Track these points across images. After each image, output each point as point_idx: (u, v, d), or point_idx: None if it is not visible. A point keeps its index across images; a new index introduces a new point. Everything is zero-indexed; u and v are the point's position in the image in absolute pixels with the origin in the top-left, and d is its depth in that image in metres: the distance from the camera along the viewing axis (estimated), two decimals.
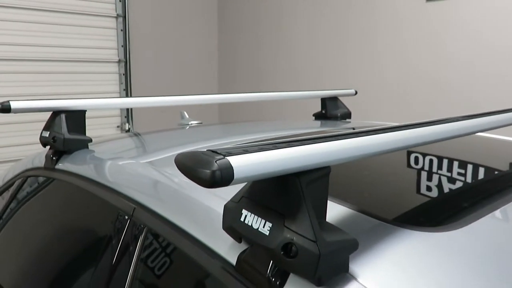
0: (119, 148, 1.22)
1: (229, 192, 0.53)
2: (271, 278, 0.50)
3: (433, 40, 3.29)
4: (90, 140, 1.16)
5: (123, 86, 4.50)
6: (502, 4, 2.85)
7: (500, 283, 0.51)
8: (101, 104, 1.26)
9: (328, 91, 1.80)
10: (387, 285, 0.48)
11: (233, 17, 4.99)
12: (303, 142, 0.49)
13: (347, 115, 1.79)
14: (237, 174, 0.41)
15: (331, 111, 1.79)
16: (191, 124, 1.73)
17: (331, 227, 0.49)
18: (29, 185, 1.26)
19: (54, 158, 1.14)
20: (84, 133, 1.16)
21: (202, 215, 0.68)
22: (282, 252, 0.47)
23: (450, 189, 0.85)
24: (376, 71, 3.67)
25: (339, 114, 1.77)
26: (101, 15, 4.18)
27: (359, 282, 0.48)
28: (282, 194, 0.48)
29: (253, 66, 4.77)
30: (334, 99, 1.81)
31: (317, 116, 1.84)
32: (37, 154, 1.31)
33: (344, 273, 0.49)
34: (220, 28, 5.09)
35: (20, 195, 1.25)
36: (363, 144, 0.54)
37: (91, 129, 1.23)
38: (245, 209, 0.52)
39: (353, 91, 1.87)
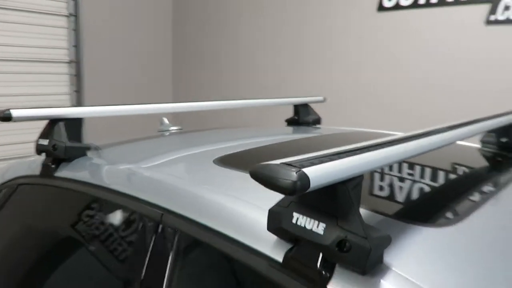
0: (117, 155, 1.24)
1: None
2: (321, 271, 0.59)
3: (384, 48, 3.53)
4: (89, 148, 1.18)
5: (74, 88, 4.37)
6: (450, 17, 3.13)
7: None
8: (100, 112, 1.27)
9: (299, 98, 1.91)
10: (416, 271, 0.59)
11: (189, 15, 5.00)
12: (353, 152, 0.59)
13: (318, 121, 1.91)
14: (312, 183, 0.50)
15: (303, 117, 1.90)
16: (172, 130, 1.77)
17: (370, 226, 0.59)
18: (22, 193, 1.25)
19: (53, 166, 1.15)
20: (81, 141, 1.18)
21: (233, 217, 0.74)
22: (336, 248, 0.56)
23: (441, 190, 1.00)
24: (329, 78, 3.86)
25: (310, 120, 1.89)
26: (52, 14, 4.03)
27: (394, 270, 0.58)
28: (333, 199, 0.57)
29: (211, 67, 4.82)
30: (305, 106, 1.93)
31: (290, 122, 1.94)
32: (27, 161, 1.30)
33: (380, 263, 0.59)
34: (175, 27, 5.08)
35: (12, 204, 1.23)
36: (389, 154, 0.65)
37: None
38: (296, 212, 0.60)
39: (321, 98, 1.99)
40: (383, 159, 0.64)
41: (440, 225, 0.75)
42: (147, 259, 0.83)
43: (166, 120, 1.80)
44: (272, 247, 0.66)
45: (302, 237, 0.60)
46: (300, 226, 0.59)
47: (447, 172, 1.19)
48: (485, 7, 2.96)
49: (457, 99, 3.11)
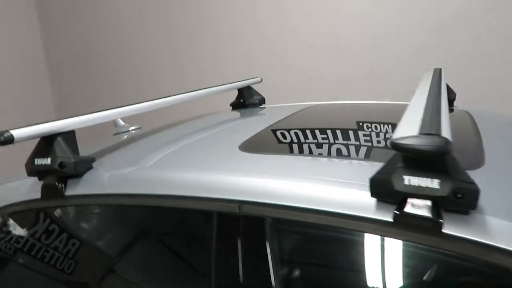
0: (125, 160, 1.17)
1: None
2: (434, 219, 0.72)
3: (261, 27, 3.74)
4: (94, 160, 1.10)
5: None
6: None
7: None
8: (92, 119, 1.17)
9: (241, 81, 1.97)
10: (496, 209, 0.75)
11: (58, 12, 4.54)
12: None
13: (263, 101, 2.02)
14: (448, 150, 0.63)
15: (248, 99, 1.99)
16: (131, 130, 1.69)
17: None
18: (15, 223, 1.11)
19: (61, 185, 1.05)
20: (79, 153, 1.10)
21: (327, 194, 0.82)
22: (454, 197, 0.69)
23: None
24: (215, 45, 3.95)
25: (257, 101, 1.99)
26: None
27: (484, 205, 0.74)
28: (439, 160, 0.70)
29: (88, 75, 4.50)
30: (249, 88, 2.01)
31: (235, 106, 2.01)
32: (9, 187, 1.16)
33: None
34: (43, 24, 4.57)
35: (4, 240, 1.09)
36: None
37: None
38: (406, 175, 0.72)
39: (259, 79, 2.10)
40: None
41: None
42: (239, 252, 0.85)
43: (121, 121, 1.72)
44: (376, 211, 0.77)
45: (416, 194, 0.72)
46: (413, 186, 0.71)
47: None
48: None
49: (335, 58, 3.50)
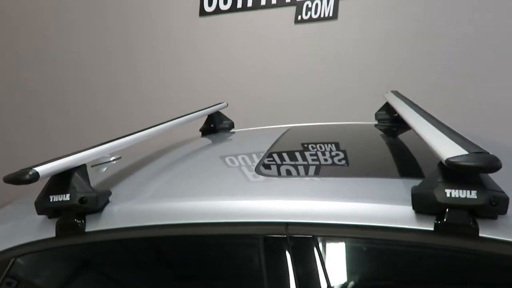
0: (141, 191, 1.14)
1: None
2: (472, 225, 0.83)
3: (204, 50, 3.81)
4: (111, 193, 1.06)
5: None
6: (265, 18, 3.62)
7: None
8: (101, 151, 1.12)
9: (210, 107, 2.00)
10: None
11: None
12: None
13: (232, 126, 2.06)
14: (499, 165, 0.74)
15: (219, 124, 2.02)
16: (111, 160, 1.61)
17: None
18: (26, 267, 1.01)
19: (80, 221, 1.00)
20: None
21: (371, 210, 0.89)
22: (489, 205, 0.81)
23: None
24: (157, 77, 3.92)
25: (227, 126, 2.02)
26: None
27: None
28: (476, 173, 0.82)
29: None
30: (218, 113, 2.04)
31: (205, 131, 2.02)
32: (13, 227, 1.06)
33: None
34: None
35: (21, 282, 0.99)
36: None
37: None
38: (448, 188, 0.82)
39: (225, 104, 2.14)
40: None
41: None
42: (291, 272, 0.88)
43: None
44: (418, 222, 0.86)
45: (456, 205, 0.83)
46: (454, 197, 0.82)
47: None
48: (292, 9, 3.57)
49: (272, 84, 3.67)
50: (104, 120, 4.11)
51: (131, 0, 3.88)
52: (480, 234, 0.83)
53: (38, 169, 0.90)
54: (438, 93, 3.24)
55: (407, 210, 0.87)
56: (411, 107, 1.35)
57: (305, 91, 3.60)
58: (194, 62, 3.82)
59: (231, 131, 2.02)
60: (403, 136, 1.62)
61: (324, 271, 0.88)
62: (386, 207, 0.89)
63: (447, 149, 0.81)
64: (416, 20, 3.31)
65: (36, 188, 1.03)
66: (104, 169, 1.52)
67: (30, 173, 0.88)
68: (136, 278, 1.02)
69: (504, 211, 0.82)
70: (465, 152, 0.77)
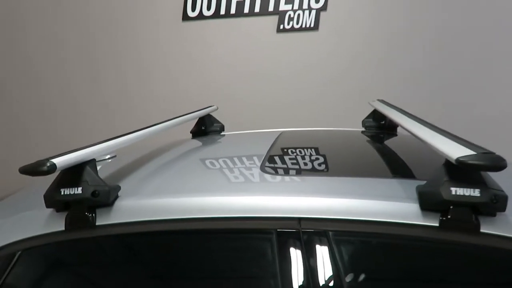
0: (151, 186, 1.14)
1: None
2: (474, 221, 0.89)
3: (187, 55, 3.82)
4: (120, 188, 1.06)
5: None
6: (247, 26, 3.67)
7: None
8: (112, 146, 1.13)
9: (201, 110, 2.02)
10: None
11: None
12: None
13: (223, 128, 2.08)
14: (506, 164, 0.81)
15: (210, 127, 2.03)
16: (107, 158, 1.60)
17: None
18: (32, 261, 1.00)
19: (91, 215, 1.00)
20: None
21: (382, 207, 0.94)
22: (491, 202, 0.87)
23: None
24: (142, 82, 3.90)
25: (218, 129, 2.05)
26: None
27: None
28: (478, 172, 0.88)
29: None
30: (209, 116, 2.06)
31: (195, 133, 2.03)
32: (18, 219, 1.05)
33: None
34: None
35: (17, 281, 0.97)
36: None
37: None
38: (453, 187, 0.88)
39: (216, 107, 2.16)
40: None
41: None
42: (304, 265, 0.91)
43: None
44: (424, 218, 0.92)
45: (461, 202, 0.89)
46: (459, 195, 0.88)
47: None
48: (274, 18, 3.64)
49: (255, 89, 3.73)
50: (90, 123, 4.04)
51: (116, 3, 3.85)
52: (481, 230, 0.90)
53: (55, 160, 0.90)
54: (416, 100, 3.38)
55: (414, 207, 0.93)
56: (405, 114, 1.42)
57: (285, 96, 3.67)
58: (179, 66, 3.82)
59: (221, 133, 2.04)
60: (394, 141, 1.70)
61: (335, 264, 0.92)
62: (395, 204, 0.95)
63: (455, 150, 0.87)
64: (394, 32, 3.46)
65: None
66: (102, 166, 1.51)
67: (48, 164, 0.88)
68: (147, 272, 1.02)
69: (503, 208, 0.89)
70: (473, 152, 0.83)
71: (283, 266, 0.93)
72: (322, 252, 0.93)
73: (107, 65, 3.93)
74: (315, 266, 0.92)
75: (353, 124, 2.07)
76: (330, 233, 0.94)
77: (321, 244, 0.93)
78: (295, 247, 0.93)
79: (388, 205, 0.95)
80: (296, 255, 0.93)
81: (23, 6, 3.96)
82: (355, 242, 0.97)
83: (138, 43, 3.86)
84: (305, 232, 0.94)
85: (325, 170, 1.25)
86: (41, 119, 4.12)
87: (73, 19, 3.92)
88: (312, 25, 3.61)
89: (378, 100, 2.02)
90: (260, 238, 0.98)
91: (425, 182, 0.95)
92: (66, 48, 3.96)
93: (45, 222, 1.03)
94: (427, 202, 0.91)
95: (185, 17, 3.74)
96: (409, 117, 1.36)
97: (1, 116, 4.18)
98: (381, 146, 1.71)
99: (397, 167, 1.30)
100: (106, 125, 3.96)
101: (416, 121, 1.26)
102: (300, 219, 0.95)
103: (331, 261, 0.92)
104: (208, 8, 3.70)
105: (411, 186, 1.00)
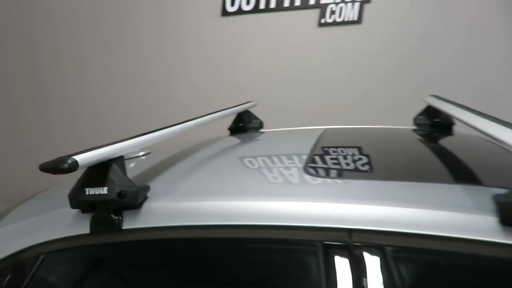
0: (183, 188, 1.04)
1: None
2: None
3: (225, 50, 3.74)
4: (149, 188, 0.97)
5: None
6: (287, 20, 3.55)
7: None
8: (143, 141, 1.05)
9: (239, 106, 1.92)
10: None
11: None
12: None
13: (262, 125, 1.97)
14: None
15: (248, 123, 1.93)
16: (141, 155, 1.53)
17: None
18: (56, 265, 0.93)
19: (118, 217, 0.91)
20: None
21: (450, 219, 0.80)
22: None
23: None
24: (185, 77, 3.85)
25: (257, 125, 1.93)
26: None
27: None
28: None
29: None
30: (248, 112, 1.96)
31: (234, 130, 1.93)
32: (36, 223, 0.98)
33: None
34: None
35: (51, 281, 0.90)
36: None
37: None
38: None
39: (254, 103, 2.05)
40: None
41: None
42: (353, 286, 0.78)
43: None
44: (505, 235, 0.76)
45: None
46: None
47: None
48: (316, 12, 3.49)
49: (293, 88, 3.58)
50: (105, 122, 4.04)
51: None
52: None
53: (77, 157, 0.82)
54: (472, 96, 3.14)
55: (491, 220, 0.77)
56: (470, 110, 1.24)
57: (328, 96, 3.51)
58: (217, 62, 3.75)
59: (260, 131, 1.93)
60: (455, 141, 1.52)
61: (391, 286, 0.77)
62: (467, 216, 0.79)
63: None
64: (446, 25, 3.23)
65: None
66: (134, 164, 1.43)
67: (69, 161, 0.80)
68: (176, 285, 0.92)
69: None
70: None
71: (329, 285, 0.80)
72: (376, 271, 0.79)
73: (149, 61, 3.91)
74: (367, 287, 0.78)
75: (401, 123, 1.90)
76: (387, 248, 0.80)
77: (375, 261, 0.80)
78: (344, 264, 0.80)
79: (459, 217, 0.80)
80: (344, 273, 0.80)
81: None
82: (417, 261, 0.81)
83: (178, 38, 3.81)
84: (357, 246, 0.80)
85: (379, 172, 1.10)
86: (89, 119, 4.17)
87: (120, 17, 3.92)
88: (355, 18, 3.44)
89: (432, 95, 1.84)
90: (304, 250, 0.85)
91: (505, 190, 0.79)
92: (110, 47, 3.97)
93: (71, 224, 0.95)
94: (510, 216, 0.75)
95: (224, 12, 3.66)
96: (474, 113, 1.18)
97: (33, 115, 4.25)
98: (440, 146, 1.52)
99: (465, 171, 1.12)
100: (150, 119, 3.94)
101: (486, 118, 1.09)
102: (350, 230, 0.82)
103: (386, 282, 0.78)
104: (248, 3, 3.60)
105: (484, 194, 0.85)
